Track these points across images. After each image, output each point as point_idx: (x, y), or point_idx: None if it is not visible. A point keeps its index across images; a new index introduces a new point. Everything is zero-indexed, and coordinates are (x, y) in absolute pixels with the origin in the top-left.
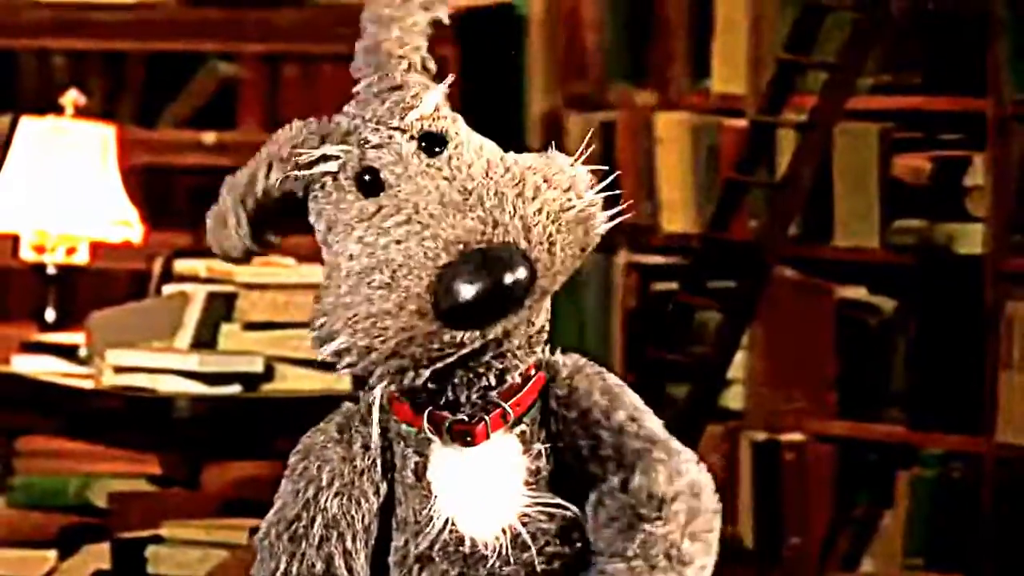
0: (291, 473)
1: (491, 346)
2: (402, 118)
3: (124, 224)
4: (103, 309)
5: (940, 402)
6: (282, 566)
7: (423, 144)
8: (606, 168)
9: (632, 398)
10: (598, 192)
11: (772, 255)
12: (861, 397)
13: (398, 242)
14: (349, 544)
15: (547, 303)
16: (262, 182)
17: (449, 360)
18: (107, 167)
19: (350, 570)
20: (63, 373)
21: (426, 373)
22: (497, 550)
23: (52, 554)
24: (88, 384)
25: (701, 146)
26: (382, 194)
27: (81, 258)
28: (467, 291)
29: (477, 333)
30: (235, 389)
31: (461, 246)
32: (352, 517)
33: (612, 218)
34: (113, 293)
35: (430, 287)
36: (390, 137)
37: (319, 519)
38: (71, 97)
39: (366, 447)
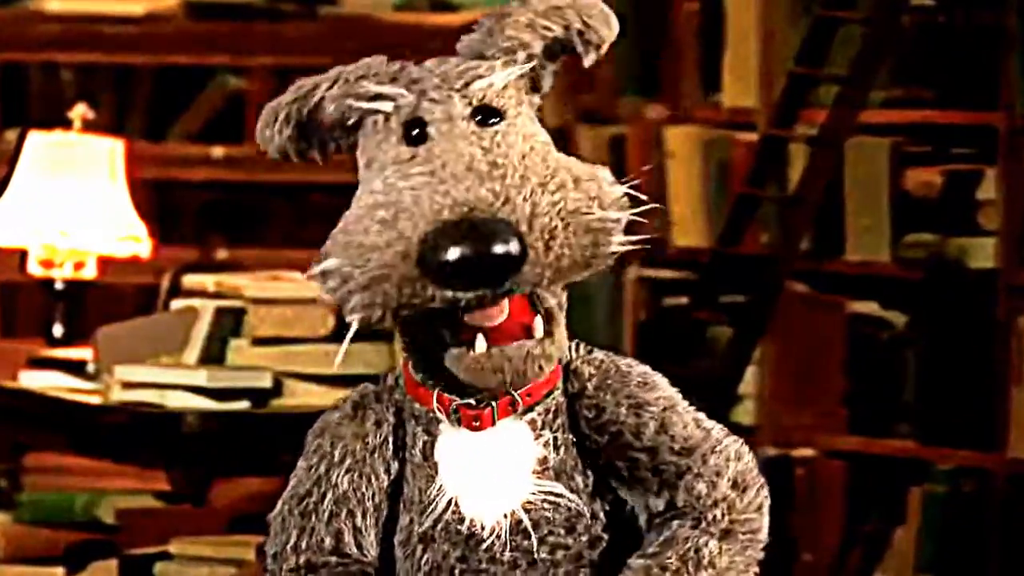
0: (306, 451)
1: None
2: (467, 84)
3: (132, 239)
4: (111, 324)
5: (952, 417)
6: (292, 540)
7: (478, 114)
8: (656, 202)
9: (659, 398)
10: (627, 214)
11: (783, 270)
12: (872, 412)
13: (413, 189)
14: (359, 521)
15: (562, 300)
16: (321, 94)
17: (417, 311)
18: (115, 181)
19: (359, 546)
20: (71, 389)
21: (390, 317)
22: (497, 534)
23: (60, 571)
24: (96, 400)
25: (712, 160)
26: (421, 146)
27: (89, 273)
28: (452, 252)
29: (449, 294)
30: (244, 405)
31: (466, 209)
32: (362, 494)
33: (630, 243)
34: (121, 308)
35: (423, 236)
36: (449, 96)
37: (329, 495)
38: (79, 111)
39: (379, 424)
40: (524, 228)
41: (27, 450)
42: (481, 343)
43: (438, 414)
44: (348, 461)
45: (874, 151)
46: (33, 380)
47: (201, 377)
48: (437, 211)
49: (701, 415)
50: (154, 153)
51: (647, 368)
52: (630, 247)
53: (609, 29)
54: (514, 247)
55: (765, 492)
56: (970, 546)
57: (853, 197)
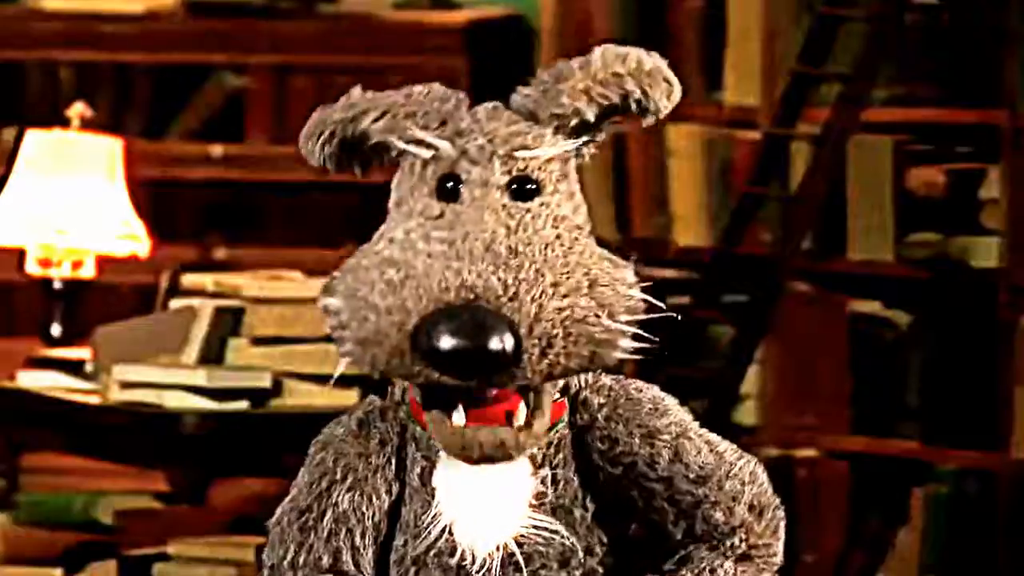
0: (309, 463)
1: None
2: (512, 150)
3: (131, 238)
4: (109, 324)
5: (955, 418)
6: (290, 555)
7: (514, 183)
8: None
9: (670, 424)
10: (637, 322)
11: (785, 269)
12: (875, 413)
13: (429, 256)
14: (358, 540)
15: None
16: (366, 123)
17: (402, 379)
18: (114, 180)
19: (357, 565)
20: (69, 389)
21: (377, 375)
22: (489, 567)
23: (58, 572)
24: (94, 400)
25: (714, 159)
26: (452, 205)
27: (87, 272)
28: (445, 340)
29: (435, 376)
30: (243, 405)
31: (471, 296)
32: (362, 513)
33: (633, 351)
34: (119, 308)
35: (421, 314)
36: (490, 160)
37: (329, 513)
38: (78, 109)
39: (383, 444)
40: (524, 331)
41: (25, 450)
42: (459, 417)
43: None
44: (350, 479)
45: (877, 150)
46: (31, 380)
47: (200, 377)
48: (444, 289)
49: (713, 437)
50: (153, 152)
51: (656, 391)
52: (633, 356)
53: (669, 100)
54: (509, 347)
55: (781, 513)
56: (974, 547)
57: (856, 196)
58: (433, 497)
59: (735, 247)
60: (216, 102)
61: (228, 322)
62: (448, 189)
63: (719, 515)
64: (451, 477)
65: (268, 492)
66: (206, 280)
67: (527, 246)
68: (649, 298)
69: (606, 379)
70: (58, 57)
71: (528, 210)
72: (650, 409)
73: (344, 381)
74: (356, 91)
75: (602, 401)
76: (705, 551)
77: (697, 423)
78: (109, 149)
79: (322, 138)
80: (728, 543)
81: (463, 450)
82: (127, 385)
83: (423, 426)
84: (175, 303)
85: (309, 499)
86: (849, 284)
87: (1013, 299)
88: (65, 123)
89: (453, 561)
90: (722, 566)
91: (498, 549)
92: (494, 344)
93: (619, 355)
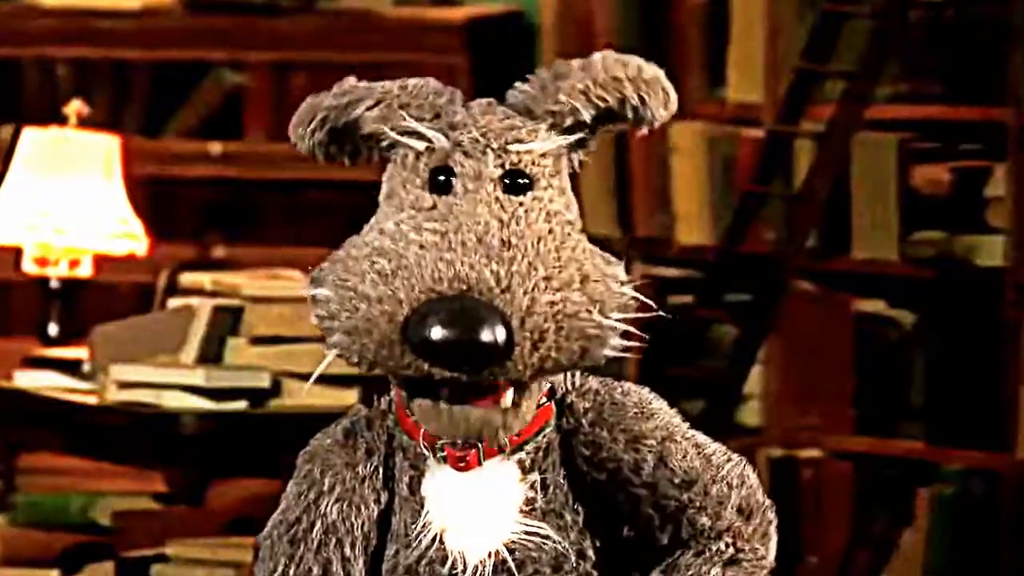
0: (296, 475)
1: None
2: (506, 144)
3: (129, 236)
4: (107, 323)
5: (960, 417)
6: (280, 568)
7: (507, 177)
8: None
9: (655, 428)
10: (626, 317)
11: (789, 268)
12: (879, 412)
13: (421, 247)
14: (347, 551)
15: None
16: (359, 112)
17: (391, 371)
18: (111, 178)
19: (347, 575)
20: (66, 388)
21: (365, 367)
22: (481, 573)
23: (55, 574)
24: (91, 400)
25: (717, 156)
26: (444, 197)
27: (85, 271)
28: (436, 331)
29: (425, 367)
30: (241, 405)
31: (464, 287)
32: (351, 524)
33: (622, 349)
34: (117, 307)
35: (412, 304)
36: (484, 153)
37: (318, 524)
38: (75, 107)
39: (369, 454)
40: (516, 323)
41: (22, 451)
42: (445, 397)
43: (424, 450)
44: (338, 490)
45: (881, 147)
46: (28, 380)
47: (198, 377)
48: (436, 280)
49: (702, 439)
50: (151, 149)
51: (645, 393)
52: (623, 354)
53: (666, 110)
54: (501, 339)
55: (771, 515)
56: (979, 548)
57: (860, 194)
58: (422, 506)
59: (738, 246)
60: (215, 100)
61: (227, 321)
62: (440, 182)
63: (705, 520)
64: (440, 485)
65: (267, 493)
66: (204, 279)
67: (520, 239)
68: (640, 296)
69: (593, 382)
70: (55, 54)
71: (521, 204)
72: (635, 413)
73: (344, 381)
74: (350, 80)
75: (587, 406)
76: (692, 557)
77: (687, 425)
78: (107, 147)
79: (312, 124)
80: (715, 547)
81: (449, 427)
82: (125, 385)
83: (410, 434)
84: (173, 302)
85: (298, 511)
86: (853, 283)
87: (1019, 298)
88: (62, 121)
89: (445, 569)
90: (710, 572)
91: (489, 556)
92: (486, 336)
93: (609, 352)
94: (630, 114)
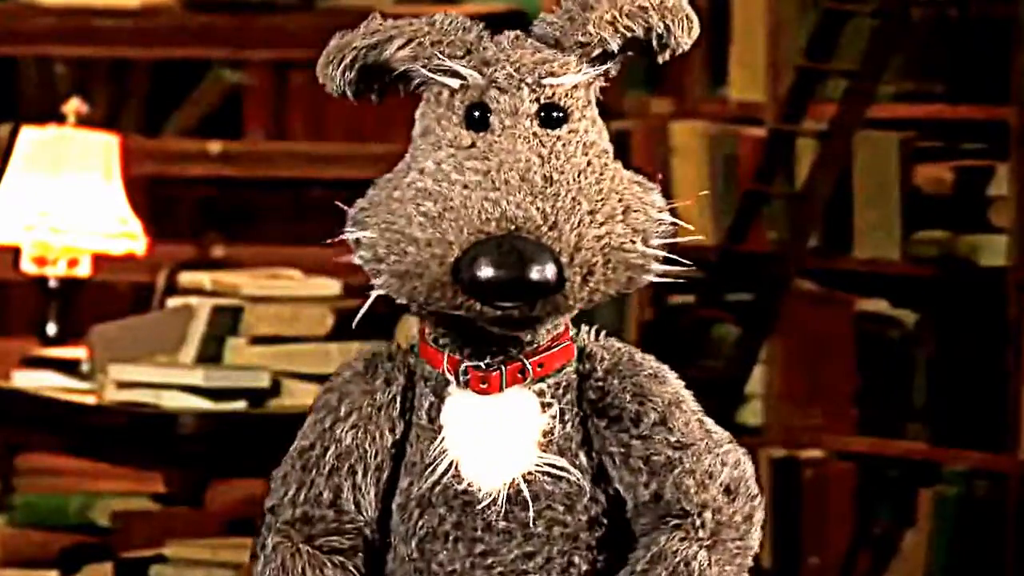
0: (314, 405)
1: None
2: (540, 78)
3: (127, 236)
4: (105, 323)
5: (963, 418)
6: (291, 492)
7: (543, 111)
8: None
9: (666, 392)
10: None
11: (791, 267)
12: (882, 413)
13: (465, 187)
14: (359, 478)
15: None
16: (389, 51)
17: (442, 311)
18: (110, 177)
19: (357, 505)
20: (64, 388)
21: (415, 308)
22: (495, 499)
23: (54, 574)
24: (90, 400)
25: (718, 155)
26: (482, 133)
27: (83, 271)
28: (488, 271)
29: (477, 307)
30: (241, 405)
31: (512, 227)
32: (365, 451)
33: (661, 274)
34: (116, 306)
35: (463, 246)
36: (518, 88)
37: (332, 449)
38: (73, 106)
39: (388, 383)
40: (565, 259)
41: (20, 451)
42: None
43: (447, 375)
44: (353, 417)
45: (884, 146)
46: (26, 380)
47: (198, 377)
48: (484, 220)
49: (708, 419)
50: (150, 148)
51: (664, 366)
52: (663, 279)
53: (689, 37)
54: (551, 277)
55: (758, 503)
56: (982, 549)
57: (862, 193)
58: (440, 433)
59: (740, 245)
60: (214, 98)
61: (226, 321)
62: (477, 119)
63: (691, 483)
64: (459, 413)
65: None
66: (204, 278)
67: (561, 174)
68: (678, 220)
69: (616, 341)
70: (54, 52)
71: (559, 138)
72: (649, 374)
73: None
74: (377, 17)
75: (606, 356)
76: (677, 541)
77: (697, 403)
78: (105, 146)
79: (343, 64)
80: (696, 520)
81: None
82: (123, 385)
83: (433, 363)
84: (172, 302)
85: (312, 437)
86: (855, 282)
87: (1021, 297)
88: (61, 119)
89: (459, 496)
90: (696, 557)
91: (504, 486)
92: (537, 275)
93: (651, 278)
94: (655, 42)
